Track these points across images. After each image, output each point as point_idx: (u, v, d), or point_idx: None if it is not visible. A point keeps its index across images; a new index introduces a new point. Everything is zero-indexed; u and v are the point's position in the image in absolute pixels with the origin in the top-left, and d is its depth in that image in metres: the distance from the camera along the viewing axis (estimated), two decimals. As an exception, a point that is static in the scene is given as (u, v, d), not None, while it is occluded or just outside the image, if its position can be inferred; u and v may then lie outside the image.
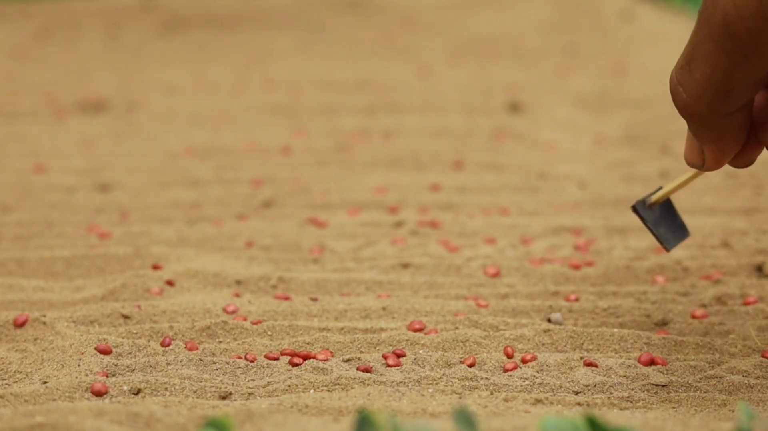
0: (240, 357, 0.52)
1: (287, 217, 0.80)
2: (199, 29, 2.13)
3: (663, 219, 0.54)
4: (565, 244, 0.74)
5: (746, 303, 0.60)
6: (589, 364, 0.51)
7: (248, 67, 1.61)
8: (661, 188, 0.53)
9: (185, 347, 0.53)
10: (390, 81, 1.37)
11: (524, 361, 0.51)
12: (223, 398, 0.48)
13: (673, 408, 0.47)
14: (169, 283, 0.63)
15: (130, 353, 0.52)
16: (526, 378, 0.50)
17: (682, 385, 0.49)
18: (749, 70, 0.43)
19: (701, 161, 0.48)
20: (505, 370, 0.51)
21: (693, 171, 0.50)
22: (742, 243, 0.72)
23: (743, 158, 0.48)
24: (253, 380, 0.50)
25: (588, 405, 0.47)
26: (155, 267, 0.66)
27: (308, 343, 0.54)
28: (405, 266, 0.66)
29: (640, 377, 0.50)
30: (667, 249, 0.53)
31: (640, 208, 0.53)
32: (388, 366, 0.51)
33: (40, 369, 0.50)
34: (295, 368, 0.51)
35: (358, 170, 0.95)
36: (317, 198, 0.85)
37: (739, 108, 0.45)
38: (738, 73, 0.43)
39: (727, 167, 1.00)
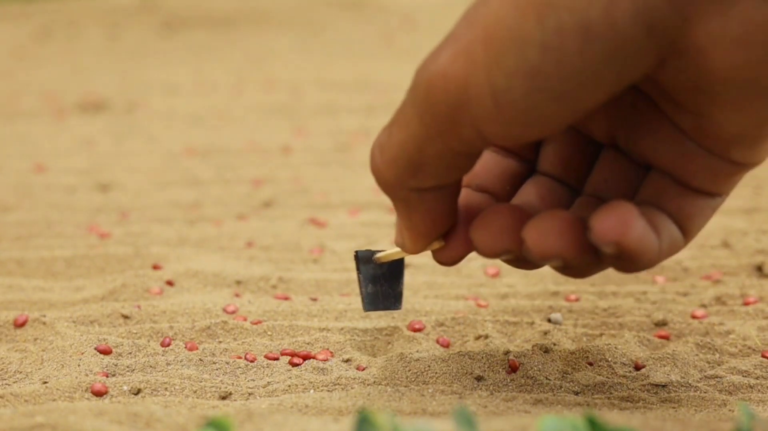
0: (240, 357, 0.52)
1: (287, 217, 0.80)
2: (199, 29, 2.13)
3: (380, 280, 0.50)
4: (565, 244, 0.73)
5: (746, 303, 0.60)
6: (589, 364, 0.51)
7: (248, 67, 1.61)
8: (386, 251, 0.49)
9: (185, 347, 0.53)
10: (390, 81, 1.37)
11: (524, 361, 0.51)
12: (223, 398, 0.48)
13: (673, 408, 0.47)
14: (169, 283, 0.63)
15: (130, 353, 0.52)
16: (526, 378, 0.50)
17: (682, 385, 0.49)
18: (442, 148, 0.38)
19: (402, 240, 0.44)
20: (506, 370, 0.51)
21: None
22: (742, 243, 0.72)
23: (448, 253, 0.44)
24: (253, 380, 0.50)
25: (588, 405, 0.47)
26: (155, 267, 0.66)
27: (308, 343, 0.54)
28: (405, 266, 0.67)
29: (640, 377, 0.50)
30: (364, 309, 0.49)
31: (362, 257, 0.49)
32: (388, 366, 0.51)
33: (40, 369, 0.50)
34: (295, 368, 0.51)
35: (358, 170, 0.95)
36: (317, 198, 0.85)
37: (431, 187, 0.40)
38: (430, 149, 0.38)
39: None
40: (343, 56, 1.62)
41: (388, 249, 0.47)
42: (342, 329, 0.56)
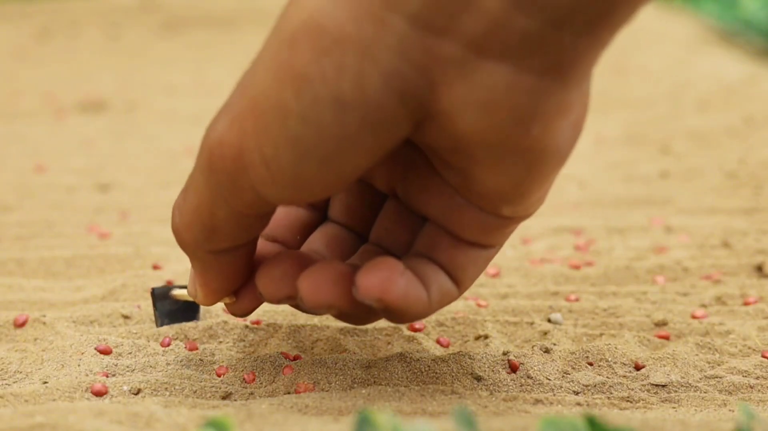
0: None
1: (287, 217, 0.80)
2: (199, 29, 2.13)
3: (177, 315, 0.52)
4: (565, 244, 0.73)
5: (746, 303, 0.60)
6: (589, 364, 0.51)
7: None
8: (184, 288, 0.50)
9: (185, 347, 0.53)
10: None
11: (524, 361, 0.51)
12: (223, 398, 0.48)
13: (673, 408, 0.47)
14: (169, 283, 0.63)
15: (130, 353, 0.52)
16: (526, 378, 0.50)
17: (682, 385, 0.49)
18: (230, 212, 0.39)
19: (194, 293, 0.45)
20: (506, 370, 0.51)
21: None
22: (742, 243, 0.72)
23: (239, 307, 0.45)
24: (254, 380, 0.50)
25: (588, 405, 0.47)
26: (155, 268, 0.66)
27: (308, 343, 0.54)
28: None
29: (640, 377, 0.50)
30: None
31: (158, 294, 0.50)
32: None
33: (40, 369, 0.50)
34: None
35: (358, 170, 0.95)
36: (317, 198, 0.85)
37: (226, 249, 0.41)
38: (219, 213, 0.40)
39: (727, 167, 1.00)
40: (343, 56, 1.62)
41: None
42: (342, 329, 0.56)
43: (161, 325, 0.52)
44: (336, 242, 0.47)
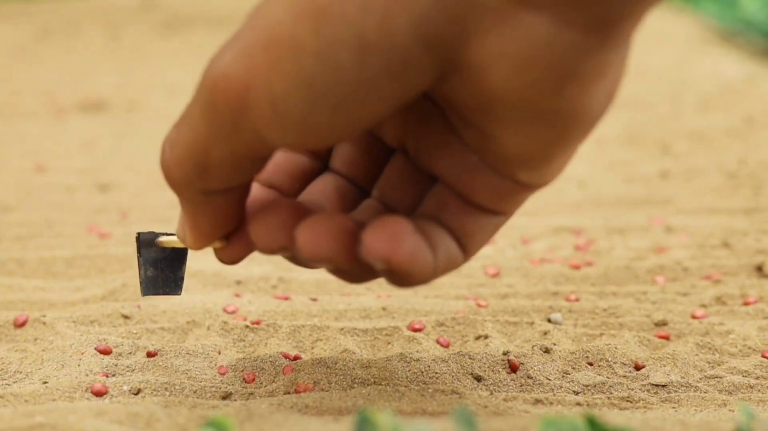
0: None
1: (287, 217, 0.80)
2: (199, 29, 2.13)
3: (162, 264, 0.48)
4: (565, 244, 0.73)
5: (746, 303, 0.60)
6: (589, 364, 0.51)
7: (248, 67, 1.61)
8: (172, 235, 0.47)
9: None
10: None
11: (524, 361, 0.51)
12: (223, 398, 0.48)
13: (673, 408, 0.47)
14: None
15: (130, 353, 0.52)
16: (526, 378, 0.50)
17: (682, 385, 0.49)
18: (227, 151, 0.37)
19: (183, 235, 0.43)
20: (506, 370, 0.51)
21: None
22: (742, 243, 0.72)
23: (229, 253, 0.43)
24: (254, 380, 0.50)
25: (588, 405, 0.47)
26: (155, 267, 0.66)
27: (308, 343, 0.54)
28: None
29: (640, 377, 0.50)
30: (142, 293, 0.47)
31: (144, 240, 0.47)
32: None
33: (40, 369, 0.50)
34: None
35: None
36: (317, 198, 0.85)
37: (219, 191, 0.39)
38: (215, 152, 0.37)
39: (727, 167, 1.00)
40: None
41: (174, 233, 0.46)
42: (342, 329, 0.56)
43: (146, 272, 0.48)
44: (336, 194, 0.44)
